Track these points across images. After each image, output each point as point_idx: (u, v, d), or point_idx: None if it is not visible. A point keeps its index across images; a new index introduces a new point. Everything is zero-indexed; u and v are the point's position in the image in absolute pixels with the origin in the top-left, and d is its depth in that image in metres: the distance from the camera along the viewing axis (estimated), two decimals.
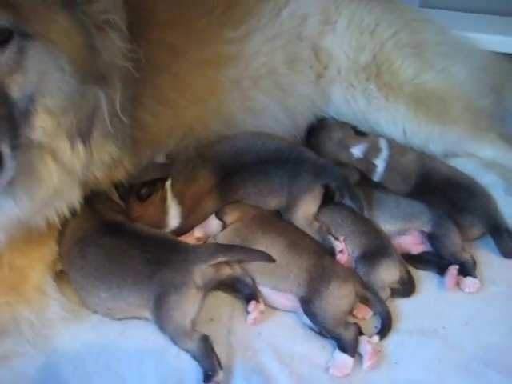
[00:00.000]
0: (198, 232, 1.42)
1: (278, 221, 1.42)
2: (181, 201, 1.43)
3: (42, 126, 1.09)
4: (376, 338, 1.23)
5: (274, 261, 1.26)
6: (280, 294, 1.28)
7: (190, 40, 1.51)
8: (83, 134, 1.15)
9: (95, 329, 1.22)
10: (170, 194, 1.42)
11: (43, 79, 1.06)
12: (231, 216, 1.42)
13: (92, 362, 1.16)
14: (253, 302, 1.26)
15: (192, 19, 1.54)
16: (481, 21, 2.12)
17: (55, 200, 1.20)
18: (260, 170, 1.46)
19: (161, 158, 1.50)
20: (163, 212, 1.41)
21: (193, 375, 1.13)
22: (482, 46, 1.87)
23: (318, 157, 1.49)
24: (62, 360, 1.16)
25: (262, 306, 1.27)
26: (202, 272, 1.22)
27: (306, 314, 1.24)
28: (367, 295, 1.27)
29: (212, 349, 1.14)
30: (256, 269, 1.29)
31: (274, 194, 1.44)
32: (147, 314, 1.21)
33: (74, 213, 1.27)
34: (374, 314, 1.29)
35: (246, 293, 1.29)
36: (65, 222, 1.28)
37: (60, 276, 1.29)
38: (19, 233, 1.18)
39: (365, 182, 1.51)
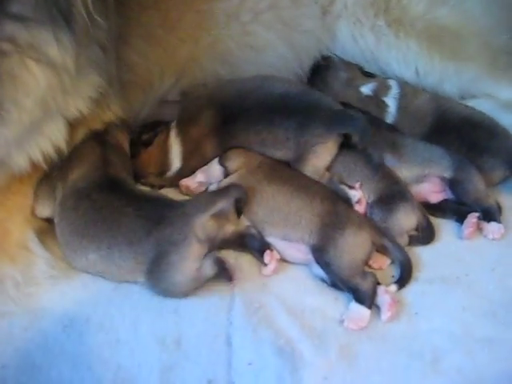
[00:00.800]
0: (200, 176, 1.32)
1: (286, 168, 1.30)
2: (183, 141, 1.33)
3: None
4: (394, 288, 1.14)
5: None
6: (291, 244, 1.18)
7: None
8: (64, 12, 1.00)
9: (86, 286, 1.13)
10: (173, 133, 1.33)
11: None
12: (235, 162, 1.31)
13: (83, 321, 1.07)
14: (267, 252, 1.16)
15: None
16: None
17: (37, 135, 1.09)
18: (262, 117, 1.32)
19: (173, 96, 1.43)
20: (166, 152, 1.33)
21: (192, 331, 1.05)
22: None
23: (335, 103, 1.35)
24: (51, 319, 1.07)
25: (276, 255, 1.17)
26: (202, 224, 1.10)
27: (319, 264, 1.15)
28: (384, 243, 1.17)
29: None
30: (265, 219, 1.20)
31: (277, 146, 1.31)
32: (141, 278, 1.10)
33: (80, 159, 1.19)
34: (392, 262, 1.20)
35: (255, 245, 1.18)
36: (70, 168, 1.19)
37: (45, 231, 1.19)
38: None
39: (377, 125, 1.39)
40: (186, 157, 1.34)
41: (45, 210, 1.20)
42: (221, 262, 1.11)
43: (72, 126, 1.19)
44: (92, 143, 1.25)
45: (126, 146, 1.33)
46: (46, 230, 1.20)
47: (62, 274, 1.14)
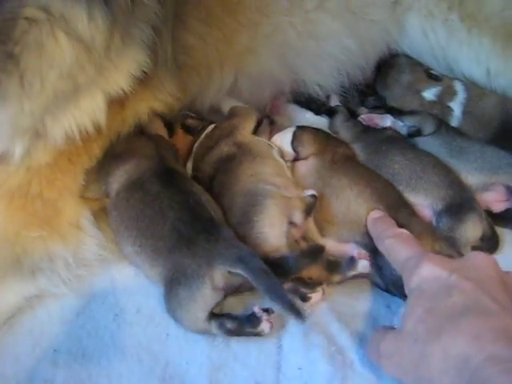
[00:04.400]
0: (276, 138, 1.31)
1: (362, 166, 1.27)
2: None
3: None
4: None
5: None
6: (345, 245, 1.15)
7: None
8: None
9: (138, 275, 1.11)
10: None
11: None
12: (307, 149, 1.28)
13: (134, 311, 1.06)
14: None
15: None
16: None
17: (73, 107, 1.05)
18: None
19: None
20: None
21: None
22: None
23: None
24: (102, 307, 1.06)
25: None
26: (225, 272, 0.99)
27: (373, 267, 1.11)
28: (450, 252, 1.12)
29: None
30: (333, 220, 1.17)
31: None
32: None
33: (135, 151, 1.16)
34: None
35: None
36: (126, 158, 1.17)
37: (99, 212, 1.18)
38: (41, 152, 1.05)
39: (444, 129, 1.35)
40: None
41: (95, 192, 1.18)
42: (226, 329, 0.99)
43: (120, 109, 1.17)
44: (145, 138, 1.22)
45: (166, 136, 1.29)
46: (99, 210, 1.18)
47: (113, 258, 1.13)
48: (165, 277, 1.02)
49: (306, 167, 1.28)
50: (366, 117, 1.39)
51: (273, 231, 1.07)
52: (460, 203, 1.20)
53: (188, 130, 1.32)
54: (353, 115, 1.44)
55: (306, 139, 1.30)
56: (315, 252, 1.07)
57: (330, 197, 1.19)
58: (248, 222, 1.08)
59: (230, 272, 0.99)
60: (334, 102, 1.48)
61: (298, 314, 0.96)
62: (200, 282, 0.98)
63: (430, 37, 1.46)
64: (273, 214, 1.08)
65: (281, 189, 1.13)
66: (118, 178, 1.16)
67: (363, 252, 1.12)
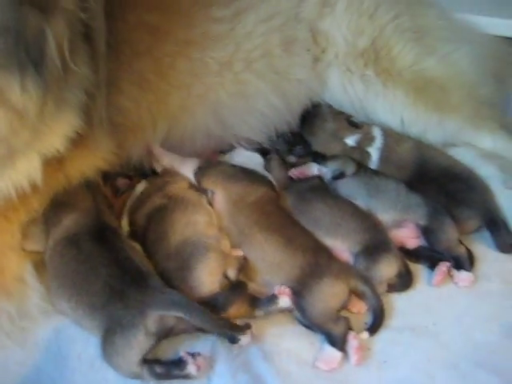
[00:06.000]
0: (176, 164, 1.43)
1: (276, 213, 1.37)
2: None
3: None
4: (366, 335, 1.22)
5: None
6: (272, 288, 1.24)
7: (174, 20, 1.44)
8: (34, 59, 1.03)
9: None
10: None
11: None
12: (208, 183, 1.39)
13: (76, 358, 1.13)
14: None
15: None
16: (484, 3, 2.03)
17: (9, 169, 1.12)
18: None
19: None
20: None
21: None
22: (484, 30, 1.82)
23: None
24: (44, 355, 1.14)
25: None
26: (157, 318, 1.09)
27: (296, 308, 1.22)
28: (364, 290, 1.24)
29: None
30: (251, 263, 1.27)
31: None
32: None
33: (73, 205, 1.22)
34: (368, 309, 1.27)
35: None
36: (64, 213, 1.24)
37: (41, 264, 1.24)
38: None
39: (363, 170, 1.48)
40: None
41: (34, 245, 1.25)
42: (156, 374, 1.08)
43: (60, 167, 1.24)
44: (85, 190, 1.30)
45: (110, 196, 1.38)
46: (40, 261, 1.24)
47: (54, 309, 1.19)
48: (101, 328, 1.10)
49: (218, 205, 1.37)
50: (296, 171, 1.51)
51: (210, 278, 1.20)
52: (375, 245, 1.31)
53: (116, 190, 1.40)
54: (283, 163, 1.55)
55: (208, 173, 1.40)
56: (240, 288, 1.21)
57: (244, 244, 1.30)
58: (188, 269, 1.20)
59: (162, 318, 1.09)
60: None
61: (233, 338, 1.11)
62: (135, 330, 1.07)
63: (349, 91, 1.60)
64: (212, 265, 1.21)
65: (219, 242, 1.26)
66: (58, 230, 1.24)
67: (284, 288, 1.22)
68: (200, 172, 1.42)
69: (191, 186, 1.41)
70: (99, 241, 1.21)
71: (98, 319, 1.11)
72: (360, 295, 1.27)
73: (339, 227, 1.34)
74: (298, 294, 1.21)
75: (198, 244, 1.23)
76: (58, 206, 1.27)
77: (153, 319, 1.08)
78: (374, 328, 1.23)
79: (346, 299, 1.24)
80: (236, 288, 1.21)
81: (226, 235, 1.32)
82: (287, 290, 1.22)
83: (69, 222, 1.24)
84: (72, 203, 1.28)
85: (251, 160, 1.53)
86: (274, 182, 1.47)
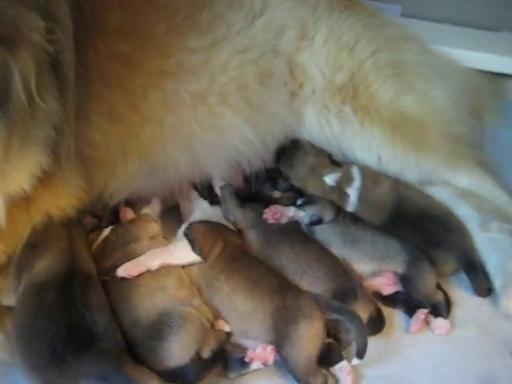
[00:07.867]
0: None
1: (243, 257, 1.32)
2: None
3: None
4: (356, 361, 1.19)
5: None
6: (253, 342, 1.19)
7: (146, 49, 1.38)
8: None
9: None
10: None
11: None
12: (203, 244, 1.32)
13: None
14: None
15: (149, 26, 1.40)
16: (464, 35, 2.04)
17: None
18: None
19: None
20: None
21: None
22: (463, 63, 1.81)
23: None
24: None
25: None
26: None
27: (280, 358, 1.17)
28: (339, 318, 1.20)
29: None
30: (225, 317, 1.22)
31: None
32: None
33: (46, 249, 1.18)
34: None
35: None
36: (36, 258, 1.19)
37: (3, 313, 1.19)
38: None
39: (342, 217, 1.44)
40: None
41: (9, 300, 1.19)
42: None
43: (26, 207, 1.19)
44: (59, 229, 1.24)
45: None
46: (4, 312, 1.19)
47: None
48: None
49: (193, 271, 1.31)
50: (270, 213, 1.43)
51: (181, 352, 1.11)
52: (342, 293, 1.26)
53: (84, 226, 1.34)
54: (270, 200, 1.49)
55: (201, 239, 1.33)
56: (214, 360, 1.12)
57: (215, 298, 1.24)
58: (158, 339, 1.12)
59: None
60: (218, 184, 1.49)
61: None
62: None
63: (325, 128, 1.56)
64: (187, 339, 1.12)
65: (199, 309, 1.18)
66: (29, 275, 1.18)
67: (265, 347, 1.16)
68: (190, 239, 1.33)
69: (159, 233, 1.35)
70: (63, 294, 1.13)
71: (38, 382, 1.05)
72: (337, 323, 1.22)
73: (304, 274, 1.30)
74: (278, 346, 1.16)
75: (173, 313, 1.14)
76: (30, 248, 1.21)
77: None
78: (361, 351, 1.19)
79: (324, 335, 1.19)
80: (209, 361, 1.12)
81: (197, 291, 1.26)
82: (269, 349, 1.16)
83: (41, 267, 1.18)
84: (46, 245, 1.22)
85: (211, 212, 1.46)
86: (230, 216, 1.43)
